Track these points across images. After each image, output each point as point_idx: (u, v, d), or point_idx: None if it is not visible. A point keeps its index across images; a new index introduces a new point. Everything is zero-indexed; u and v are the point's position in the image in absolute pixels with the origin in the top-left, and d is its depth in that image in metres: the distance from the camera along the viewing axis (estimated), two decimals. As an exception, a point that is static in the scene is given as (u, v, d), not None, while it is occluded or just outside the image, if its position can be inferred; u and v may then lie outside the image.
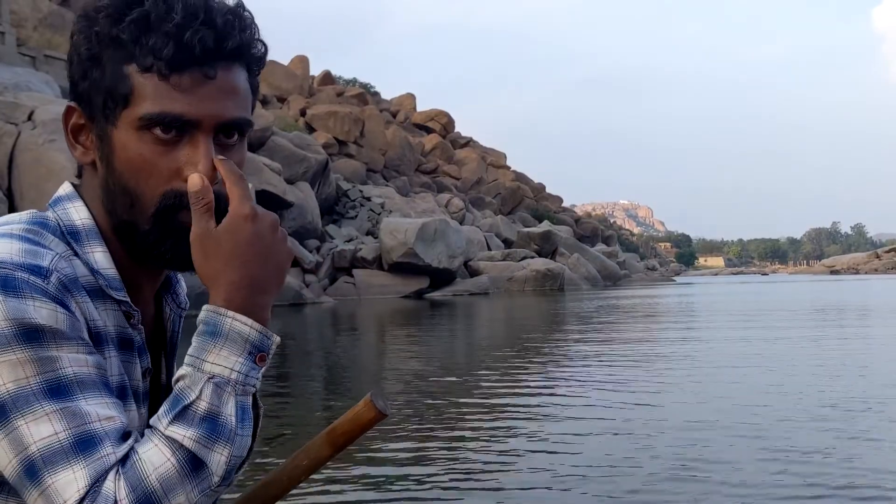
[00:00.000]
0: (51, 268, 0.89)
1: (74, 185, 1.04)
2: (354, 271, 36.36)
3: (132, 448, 0.87)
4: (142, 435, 0.90)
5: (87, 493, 0.82)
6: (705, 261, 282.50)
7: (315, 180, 41.50)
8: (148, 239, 0.98)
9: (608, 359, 11.51)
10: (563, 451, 5.87)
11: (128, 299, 0.99)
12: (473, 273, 41.69)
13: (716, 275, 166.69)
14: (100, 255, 0.97)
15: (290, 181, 37.82)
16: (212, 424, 0.87)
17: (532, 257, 45.99)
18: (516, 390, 8.77)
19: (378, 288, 35.38)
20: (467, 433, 6.64)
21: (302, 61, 67.73)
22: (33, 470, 0.84)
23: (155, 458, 0.85)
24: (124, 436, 0.88)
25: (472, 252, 43.63)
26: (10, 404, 0.84)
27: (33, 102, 24.37)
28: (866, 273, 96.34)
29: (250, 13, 1.00)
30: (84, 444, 0.84)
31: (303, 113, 59.85)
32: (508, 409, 7.65)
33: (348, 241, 39.98)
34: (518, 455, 5.82)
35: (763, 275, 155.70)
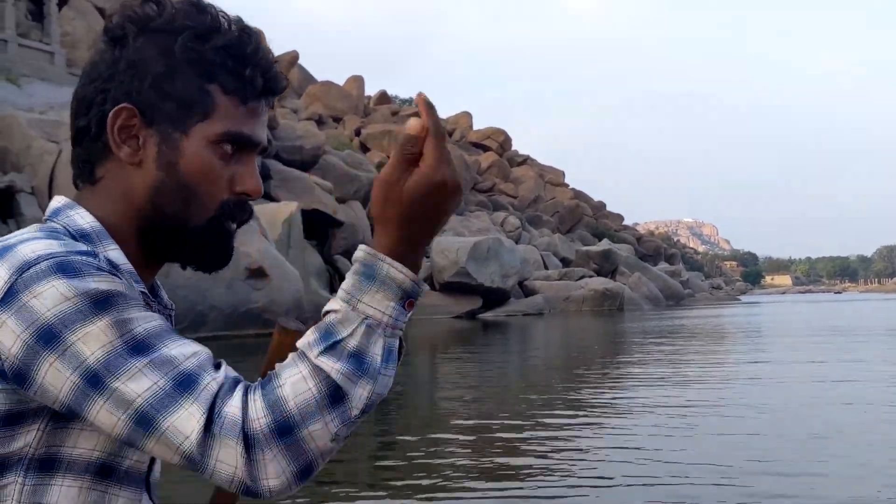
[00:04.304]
0: (94, 251, 0.95)
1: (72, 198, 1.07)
2: (405, 291, 35.58)
3: (274, 374, 0.91)
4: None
5: (206, 421, 0.87)
6: (772, 280, 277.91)
7: (367, 199, 41.00)
8: (202, 238, 1.06)
9: (673, 389, 10.38)
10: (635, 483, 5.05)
11: (146, 291, 1.03)
12: (529, 293, 40.67)
13: (783, 293, 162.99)
14: (114, 253, 1.02)
15: (341, 200, 37.37)
16: (359, 361, 0.91)
17: (590, 276, 44.83)
18: (573, 418, 7.78)
19: (429, 308, 34.55)
20: (518, 461, 6.18)
21: (357, 81, 67.74)
22: (146, 419, 0.88)
23: (299, 384, 0.89)
24: (217, 364, 0.93)
25: (527, 271, 42.64)
26: (104, 370, 0.88)
27: (76, 121, 24.12)
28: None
29: None
30: (184, 383, 0.88)
31: (357, 132, 59.69)
32: (566, 438, 6.73)
33: (400, 261, 39.28)
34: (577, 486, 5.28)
35: (836, 293, 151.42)
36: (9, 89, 27.31)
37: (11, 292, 0.89)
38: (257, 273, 22.08)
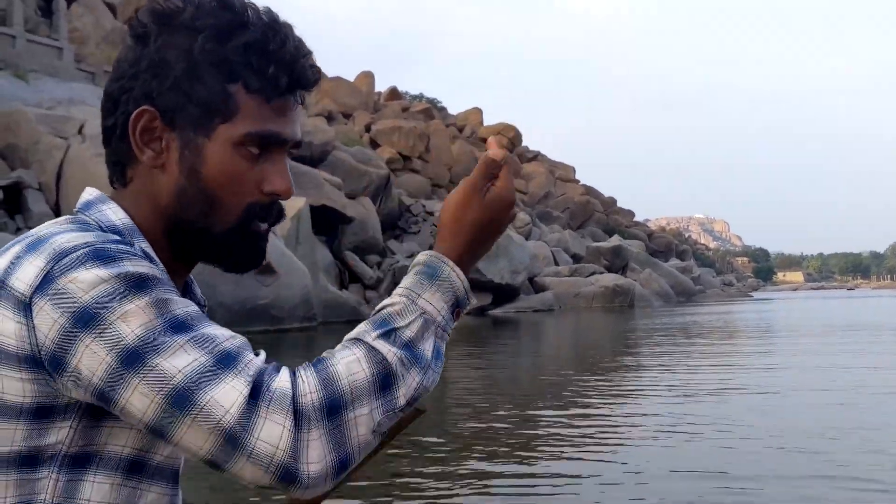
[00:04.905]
0: (130, 241, 0.97)
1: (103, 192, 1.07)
2: (415, 287, 35.48)
3: (326, 355, 0.93)
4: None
5: (250, 393, 0.86)
6: (784, 276, 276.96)
7: (377, 195, 40.91)
8: (224, 245, 1.05)
9: (682, 390, 10.21)
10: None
11: (176, 288, 1.00)
12: (539, 289, 40.51)
13: (795, 290, 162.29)
14: (145, 250, 1.00)
15: (351, 196, 37.29)
16: (412, 351, 0.94)
17: (601, 273, 44.64)
18: (583, 419, 7.63)
19: (439, 304, 34.36)
20: (530, 458, 6.04)
21: (367, 77, 67.60)
22: (183, 397, 0.86)
23: (353, 364, 0.91)
24: (255, 353, 0.92)
25: (537, 267, 42.47)
26: (144, 346, 0.87)
27: (84, 116, 24.16)
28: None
29: None
30: (225, 359, 0.88)
31: (368, 128, 59.54)
32: (577, 438, 6.57)
33: (410, 257, 39.17)
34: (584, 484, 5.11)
35: (849, 290, 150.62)
36: (17, 85, 27.31)
37: (48, 279, 0.88)
38: (265, 269, 21.97)
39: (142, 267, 0.90)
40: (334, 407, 0.88)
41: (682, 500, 4.88)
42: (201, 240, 1.04)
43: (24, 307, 0.88)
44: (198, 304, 1.15)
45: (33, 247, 0.92)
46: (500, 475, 5.68)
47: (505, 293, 36.73)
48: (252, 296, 22.08)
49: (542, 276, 42.03)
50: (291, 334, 21.68)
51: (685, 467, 5.67)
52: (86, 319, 0.87)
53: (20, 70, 28.75)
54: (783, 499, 4.90)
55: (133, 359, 0.86)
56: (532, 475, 5.67)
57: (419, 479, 5.58)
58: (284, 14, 1.07)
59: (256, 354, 0.92)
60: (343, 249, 35.06)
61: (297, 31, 1.06)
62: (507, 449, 6.53)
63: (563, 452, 6.34)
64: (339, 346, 0.94)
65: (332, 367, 0.90)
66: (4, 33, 29.47)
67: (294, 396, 0.87)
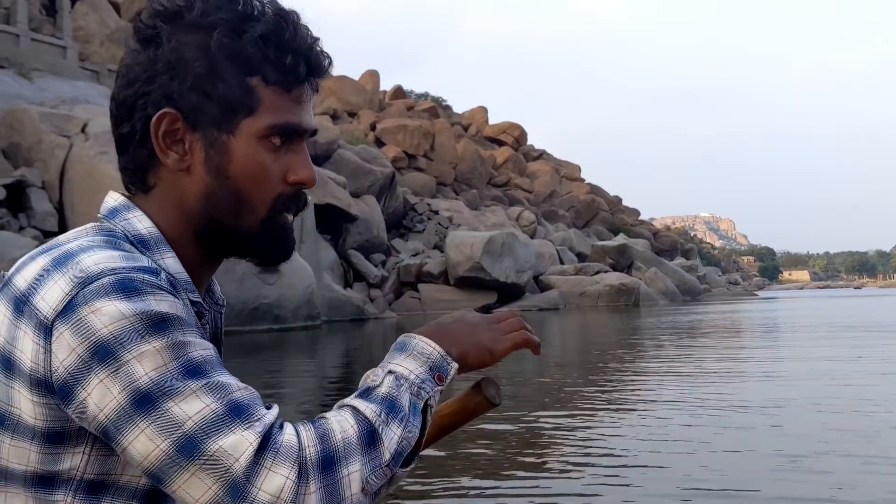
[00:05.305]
0: (156, 268, 0.94)
1: (126, 195, 1.06)
2: (420, 286, 35.47)
3: (320, 416, 0.94)
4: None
5: (260, 443, 0.86)
6: (790, 275, 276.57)
7: (381, 194, 40.87)
8: (257, 241, 1.05)
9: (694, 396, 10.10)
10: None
11: (201, 300, 1.04)
12: (544, 288, 40.40)
13: (801, 289, 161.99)
14: (171, 261, 1.01)
15: (355, 195, 37.27)
16: (389, 404, 0.94)
17: (606, 271, 44.52)
18: (591, 417, 7.53)
19: (444, 303, 34.36)
20: (534, 458, 5.85)
21: (372, 76, 67.57)
22: (192, 444, 0.85)
23: (343, 422, 0.92)
24: (266, 406, 0.92)
25: (542, 266, 42.37)
26: (156, 390, 0.86)
27: (87, 115, 24.11)
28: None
29: None
30: (237, 409, 0.88)
31: (373, 127, 59.52)
32: (585, 438, 6.49)
33: (414, 255, 39.14)
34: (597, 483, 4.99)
35: (856, 288, 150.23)
36: (21, 83, 27.29)
37: (71, 305, 0.88)
38: (268, 268, 21.91)
39: (164, 304, 0.89)
40: (329, 461, 0.88)
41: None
42: (233, 237, 1.04)
43: (46, 330, 0.88)
44: (216, 304, 1.16)
45: (60, 263, 0.91)
46: (504, 478, 5.59)
47: (510, 292, 36.65)
48: (255, 295, 22.02)
49: (547, 275, 41.92)
50: (295, 333, 21.61)
51: (696, 486, 5.57)
52: (103, 354, 0.86)
53: (24, 69, 28.73)
54: None
55: (144, 401, 0.86)
56: (536, 476, 5.58)
57: (418, 483, 5.49)
58: (292, 6, 1.08)
59: (268, 408, 0.91)
60: (347, 248, 35.02)
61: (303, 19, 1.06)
62: (514, 451, 6.45)
63: (568, 460, 6.25)
64: (332, 410, 0.95)
65: (327, 424, 0.91)
66: (8, 32, 29.44)
67: (300, 449, 0.87)
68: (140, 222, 1.01)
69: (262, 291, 22.26)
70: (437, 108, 71.27)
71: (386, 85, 71.49)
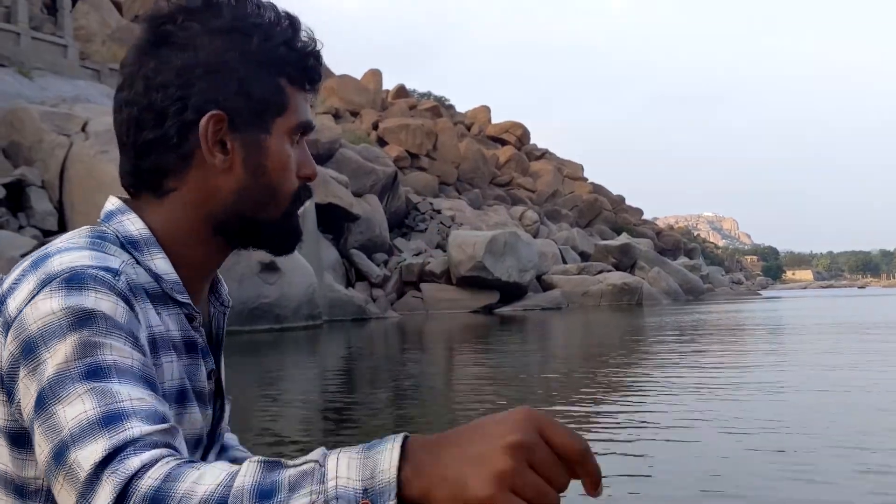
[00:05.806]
0: (121, 270, 0.93)
1: (123, 199, 1.08)
2: (422, 285, 35.34)
3: (201, 462, 0.81)
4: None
5: (102, 459, 0.78)
6: (793, 274, 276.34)
7: (384, 193, 40.74)
8: (278, 231, 1.10)
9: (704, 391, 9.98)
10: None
11: (190, 301, 1.04)
12: (547, 287, 40.27)
13: (804, 288, 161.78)
14: (160, 262, 1.02)
15: (357, 194, 37.14)
16: (269, 493, 0.75)
17: (609, 271, 44.39)
18: (597, 418, 7.40)
19: (446, 302, 34.26)
20: None
21: (374, 75, 67.42)
22: (62, 452, 0.81)
23: (212, 475, 0.76)
24: (159, 421, 0.83)
25: (544, 266, 42.23)
26: (49, 392, 0.83)
27: (87, 114, 24.00)
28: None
29: None
30: (110, 418, 0.81)
31: (375, 126, 59.40)
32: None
33: (416, 255, 39.03)
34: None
35: (860, 288, 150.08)
36: (21, 82, 27.21)
37: (28, 303, 0.88)
38: (269, 267, 21.79)
39: (102, 303, 0.87)
40: (159, 501, 0.75)
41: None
42: (257, 228, 1.08)
43: (6, 328, 0.88)
44: (222, 304, 1.18)
45: (36, 265, 0.91)
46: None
47: (512, 291, 36.51)
48: (256, 294, 21.89)
49: (549, 275, 41.77)
50: (296, 333, 21.49)
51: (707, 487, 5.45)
52: (26, 352, 0.85)
53: (25, 68, 28.65)
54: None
55: (39, 402, 0.83)
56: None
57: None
58: (292, 10, 1.12)
59: (171, 430, 0.82)
60: (349, 248, 34.90)
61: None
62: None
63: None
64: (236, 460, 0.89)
65: (193, 470, 0.76)
66: (9, 30, 29.36)
67: (132, 478, 0.76)
68: (133, 224, 1.02)
69: (263, 291, 22.14)
70: (440, 107, 71.15)
71: (388, 84, 71.43)
